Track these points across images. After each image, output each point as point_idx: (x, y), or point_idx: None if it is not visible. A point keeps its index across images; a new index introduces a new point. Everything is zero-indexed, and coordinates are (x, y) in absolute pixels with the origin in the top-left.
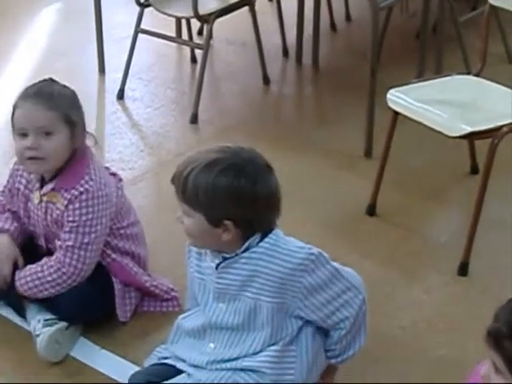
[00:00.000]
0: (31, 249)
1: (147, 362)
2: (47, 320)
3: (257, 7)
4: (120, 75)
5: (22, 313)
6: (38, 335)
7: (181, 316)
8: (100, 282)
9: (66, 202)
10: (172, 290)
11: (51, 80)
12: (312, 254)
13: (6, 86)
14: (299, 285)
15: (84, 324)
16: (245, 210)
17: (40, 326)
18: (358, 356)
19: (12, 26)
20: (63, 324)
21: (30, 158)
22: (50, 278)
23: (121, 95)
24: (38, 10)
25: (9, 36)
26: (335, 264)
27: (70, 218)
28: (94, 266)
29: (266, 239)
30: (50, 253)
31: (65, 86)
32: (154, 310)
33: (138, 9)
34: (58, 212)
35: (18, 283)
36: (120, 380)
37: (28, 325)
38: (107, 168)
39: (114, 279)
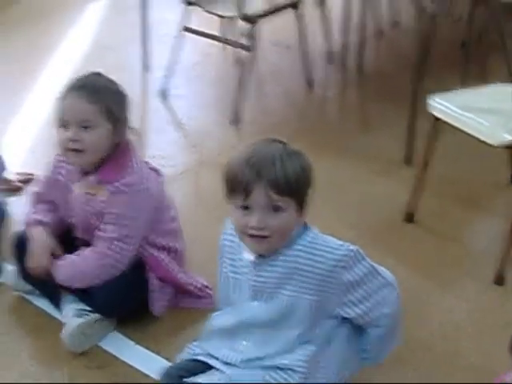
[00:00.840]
0: (68, 241)
1: (179, 358)
2: (79, 310)
3: (303, 10)
4: (164, 73)
5: (57, 303)
6: (65, 324)
7: (214, 314)
8: (136, 276)
9: (107, 194)
10: (206, 287)
11: (98, 74)
12: (351, 250)
13: (51, 80)
14: (339, 281)
15: (119, 318)
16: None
17: (70, 315)
18: (386, 357)
19: (59, 21)
20: (93, 316)
21: (71, 150)
22: (87, 269)
23: (164, 92)
24: (85, 5)
25: (56, 30)
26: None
27: (111, 210)
28: (131, 260)
29: (304, 236)
30: (87, 245)
31: (111, 81)
32: (188, 306)
33: (184, 7)
34: (98, 204)
35: (55, 272)
36: (149, 373)
37: (61, 314)
38: (147, 163)
39: (149, 274)
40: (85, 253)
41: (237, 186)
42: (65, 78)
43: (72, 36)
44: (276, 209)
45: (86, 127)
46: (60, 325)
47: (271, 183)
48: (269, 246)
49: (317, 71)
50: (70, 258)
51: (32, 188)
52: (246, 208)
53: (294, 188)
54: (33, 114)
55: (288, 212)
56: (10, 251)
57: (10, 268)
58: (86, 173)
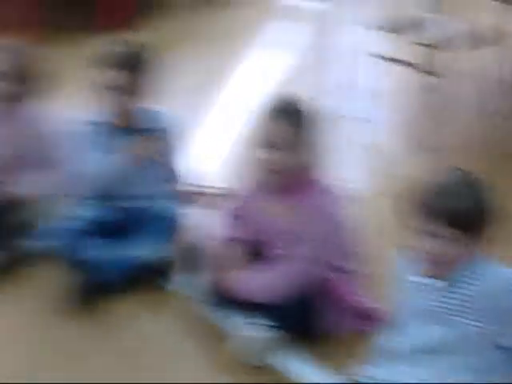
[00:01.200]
0: (253, 257)
1: (351, 379)
2: (253, 324)
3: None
4: (352, 95)
5: (234, 316)
6: (236, 336)
7: (386, 337)
8: (313, 296)
9: (293, 215)
10: (382, 310)
11: (296, 97)
12: None
13: (243, 97)
14: None
15: (292, 335)
16: (489, 223)
17: (245, 329)
18: None
19: (252, 37)
20: (268, 332)
21: (270, 170)
22: (269, 285)
23: (351, 116)
24: (280, 24)
25: (248, 47)
26: None
27: (296, 231)
28: (310, 281)
29: (478, 263)
30: (270, 262)
31: (307, 105)
32: (363, 328)
33: (376, 33)
34: (285, 224)
35: (237, 286)
36: None
37: (235, 326)
38: (331, 185)
39: (327, 295)
40: (267, 270)
41: (416, 210)
42: (256, 98)
43: (264, 55)
44: (439, 236)
45: (284, 149)
46: (233, 337)
47: (435, 212)
48: (433, 271)
49: (502, 101)
50: (251, 273)
51: (225, 203)
52: (419, 231)
53: (459, 220)
54: (223, 129)
55: (453, 241)
56: (188, 262)
57: (186, 278)
58: (275, 193)
